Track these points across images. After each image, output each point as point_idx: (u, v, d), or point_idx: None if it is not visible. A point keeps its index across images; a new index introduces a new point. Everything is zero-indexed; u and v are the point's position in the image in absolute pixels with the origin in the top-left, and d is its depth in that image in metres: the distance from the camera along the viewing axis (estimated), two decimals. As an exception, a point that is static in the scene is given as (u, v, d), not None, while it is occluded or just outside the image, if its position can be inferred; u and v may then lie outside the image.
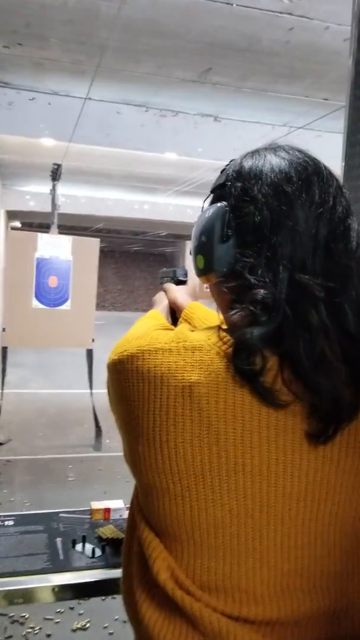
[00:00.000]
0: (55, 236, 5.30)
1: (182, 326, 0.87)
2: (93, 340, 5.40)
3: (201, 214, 0.90)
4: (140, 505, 0.85)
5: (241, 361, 0.75)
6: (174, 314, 1.39)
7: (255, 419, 0.75)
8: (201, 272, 0.88)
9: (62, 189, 6.45)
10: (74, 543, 1.42)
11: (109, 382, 0.89)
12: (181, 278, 1.45)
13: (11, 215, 13.89)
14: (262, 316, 0.75)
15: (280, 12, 2.95)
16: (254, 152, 0.86)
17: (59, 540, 1.45)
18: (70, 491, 4.56)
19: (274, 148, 0.85)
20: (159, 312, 1.33)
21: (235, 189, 0.82)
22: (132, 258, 27.88)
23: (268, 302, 0.75)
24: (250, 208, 0.79)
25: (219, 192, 0.87)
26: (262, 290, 0.76)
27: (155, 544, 0.81)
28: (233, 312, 0.78)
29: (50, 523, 1.55)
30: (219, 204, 0.84)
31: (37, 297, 5.21)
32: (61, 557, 1.37)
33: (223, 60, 3.66)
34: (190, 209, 11.59)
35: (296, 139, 0.95)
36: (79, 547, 1.41)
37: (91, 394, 5.63)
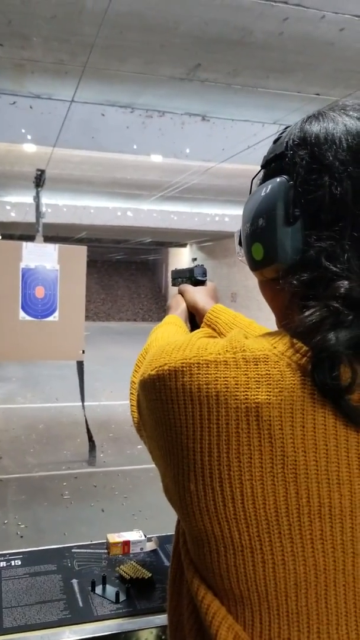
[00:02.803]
0: (40, 245, 5.11)
1: (236, 332, 0.70)
2: (83, 351, 5.21)
3: (253, 194, 0.74)
4: (191, 555, 0.67)
5: (323, 374, 0.59)
6: (193, 319, 1.22)
7: (342, 448, 0.60)
8: (258, 265, 0.72)
9: (43, 198, 6.26)
10: (93, 585, 1.24)
11: (142, 402, 0.72)
12: (199, 278, 1.28)
13: (-9, 226, 13.62)
14: (349, 315, 0.60)
15: (275, 1, 2.82)
16: (318, 115, 0.70)
17: (75, 582, 1.27)
18: (66, 510, 4.36)
19: (341, 108, 0.70)
20: (178, 318, 1.17)
21: (301, 158, 0.67)
22: (114, 267, 27.66)
23: (355, 296, 0.61)
24: (324, 179, 0.64)
25: (275, 165, 0.71)
26: (346, 282, 0.61)
27: (215, 608, 0.63)
28: (309, 312, 0.62)
29: (62, 561, 1.36)
30: (278, 179, 0.68)
31: (23, 308, 5.02)
32: (80, 603, 1.18)
33: (213, 55, 3.52)
34: (175, 214, 11.46)
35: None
36: (99, 589, 1.23)
37: (83, 407, 5.44)
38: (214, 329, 1.11)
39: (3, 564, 1.34)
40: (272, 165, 0.72)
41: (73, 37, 3.38)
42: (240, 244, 0.80)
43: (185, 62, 3.66)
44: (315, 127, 0.68)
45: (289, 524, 0.59)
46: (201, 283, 1.27)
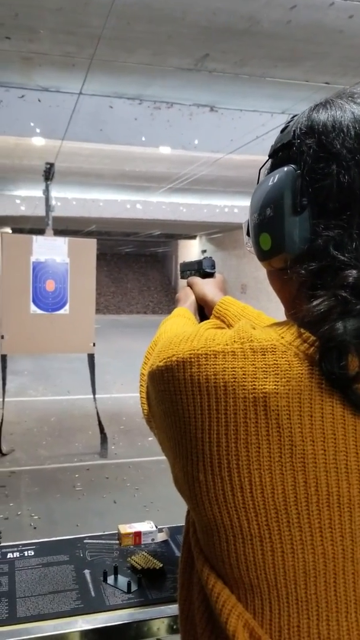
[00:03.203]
0: (50, 238, 5.13)
1: (243, 322, 0.70)
2: (94, 344, 5.24)
3: (260, 184, 0.74)
4: (201, 545, 0.68)
5: (331, 364, 0.59)
6: (202, 311, 1.22)
7: (350, 437, 0.60)
8: (267, 255, 0.71)
9: (52, 191, 6.28)
10: (105, 575, 1.25)
11: (151, 393, 0.72)
12: (208, 270, 1.28)
13: (1, 221, 13.68)
14: (357, 304, 0.60)
15: (283, -11, 2.79)
16: (325, 103, 0.70)
17: (87, 572, 1.28)
18: (78, 501, 4.39)
19: (349, 95, 0.69)
20: (187, 310, 1.17)
21: (308, 146, 0.66)
22: (124, 260, 27.68)
23: None
24: (332, 168, 0.64)
25: (282, 154, 0.71)
26: (354, 271, 0.61)
27: (225, 596, 0.64)
28: (317, 301, 0.62)
29: (74, 551, 1.38)
30: (285, 168, 0.68)
31: (34, 302, 5.05)
32: (92, 593, 1.20)
33: (220, 45, 3.49)
34: (184, 206, 11.43)
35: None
36: (111, 580, 1.25)
37: (94, 399, 5.46)
38: (223, 321, 1.12)
39: (17, 554, 1.36)
40: (279, 155, 0.72)
41: (80, 29, 3.37)
42: (248, 234, 0.80)
43: (193, 53, 3.64)
44: (322, 116, 0.68)
45: (298, 513, 0.60)
46: (210, 275, 1.27)
